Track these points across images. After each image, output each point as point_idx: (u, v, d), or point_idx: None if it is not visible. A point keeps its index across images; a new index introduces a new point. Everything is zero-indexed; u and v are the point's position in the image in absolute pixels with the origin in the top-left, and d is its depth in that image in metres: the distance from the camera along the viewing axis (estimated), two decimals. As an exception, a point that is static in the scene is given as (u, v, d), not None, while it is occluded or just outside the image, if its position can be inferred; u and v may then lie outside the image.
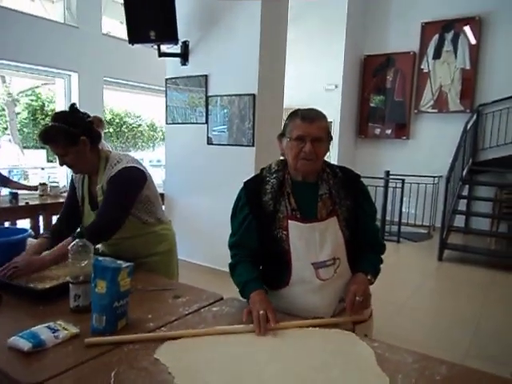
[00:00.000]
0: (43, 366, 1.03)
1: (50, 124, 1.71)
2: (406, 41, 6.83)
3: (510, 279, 4.53)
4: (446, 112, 6.65)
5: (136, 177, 1.80)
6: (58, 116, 1.75)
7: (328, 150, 1.49)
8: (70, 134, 1.69)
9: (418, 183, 6.54)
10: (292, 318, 1.35)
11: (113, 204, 1.71)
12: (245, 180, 1.56)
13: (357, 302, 1.37)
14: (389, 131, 7.17)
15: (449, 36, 6.52)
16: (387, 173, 6.14)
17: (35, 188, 4.08)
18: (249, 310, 1.30)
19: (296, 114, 1.45)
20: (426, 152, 6.77)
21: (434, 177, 6.53)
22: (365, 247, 1.54)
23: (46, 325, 1.17)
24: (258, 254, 1.52)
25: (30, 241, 1.90)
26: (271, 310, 1.28)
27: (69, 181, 4.44)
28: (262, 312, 1.24)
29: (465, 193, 6.09)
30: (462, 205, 6.05)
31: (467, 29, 6.33)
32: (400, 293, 4.03)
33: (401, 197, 6.13)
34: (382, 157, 7.21)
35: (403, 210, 6.26)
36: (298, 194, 1.48)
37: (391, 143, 7.21)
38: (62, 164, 1.76)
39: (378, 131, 7.27)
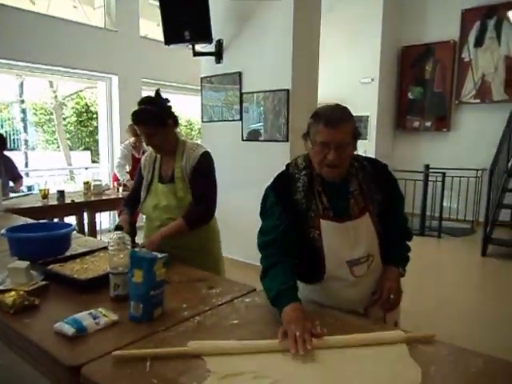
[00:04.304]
0: (85, 349, 1.10)
1: (141, 107, 1.86)
2: (445, 29, 6.57)
3: (560, 276, 4.30)
4: (489, 102, 6.36)
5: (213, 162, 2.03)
6: (146, 100, 1.90)
7: (355, 149, 1.41)
8: (160, 116, 1.86)
9: (460, 177, 6.30)
10: (328, 309, 1.36)
11: (208, 193, 1.95)
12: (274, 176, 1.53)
13: (391, 300, 1.39)
14: (428, 123, 6.95)
15: (491, 22, 6.21)
16: (427, 166, 5.96)
17: None
18: (284, 330, 1.15)
19: (319, 116, 1.34)
20: (469, 144, 6.50)
21: (477, 170, 6.27)
22: (393, 236, 1.52)
23: (89, 312, 1.24)
24: (294, 255, 1.41)
25: (74, 234, 2.01)
26: (308, 330, 1.13)
27: (110, 179, 4.53)
28: (298, 333, 1.10)
29: (511, 186, 5.80)
30: (508, 198, 5.78)
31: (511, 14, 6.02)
32: (441, 289, 3.91)
33: (441, 191, 5.93)
34: (421, 150, 7.00)
35: (444, 204, 6.05)
36: (329, 191, 1.43)
37: (431, 136, 6.98)
38: (148, 144, 1.94)
39: (416, 124, 7.06)
